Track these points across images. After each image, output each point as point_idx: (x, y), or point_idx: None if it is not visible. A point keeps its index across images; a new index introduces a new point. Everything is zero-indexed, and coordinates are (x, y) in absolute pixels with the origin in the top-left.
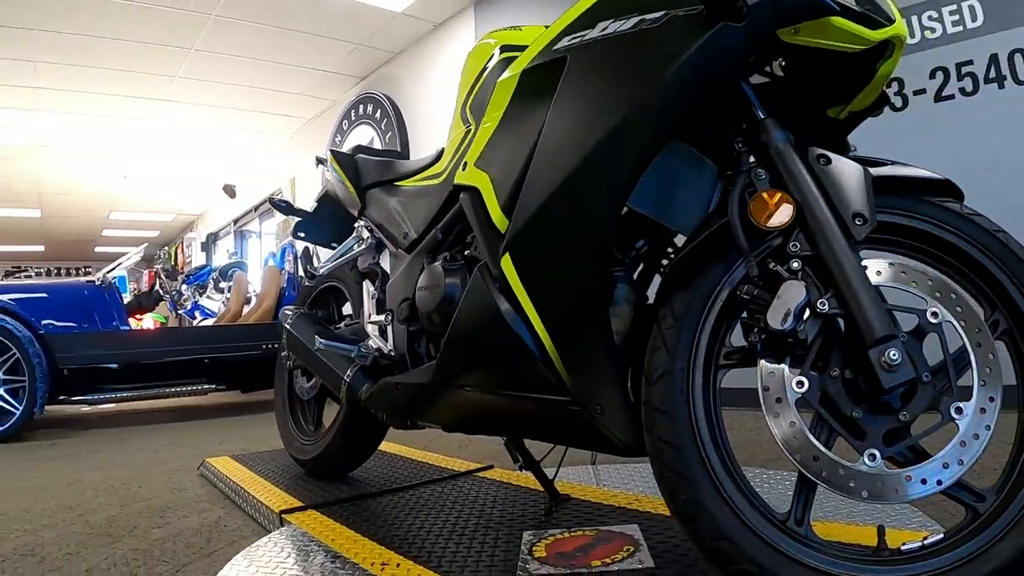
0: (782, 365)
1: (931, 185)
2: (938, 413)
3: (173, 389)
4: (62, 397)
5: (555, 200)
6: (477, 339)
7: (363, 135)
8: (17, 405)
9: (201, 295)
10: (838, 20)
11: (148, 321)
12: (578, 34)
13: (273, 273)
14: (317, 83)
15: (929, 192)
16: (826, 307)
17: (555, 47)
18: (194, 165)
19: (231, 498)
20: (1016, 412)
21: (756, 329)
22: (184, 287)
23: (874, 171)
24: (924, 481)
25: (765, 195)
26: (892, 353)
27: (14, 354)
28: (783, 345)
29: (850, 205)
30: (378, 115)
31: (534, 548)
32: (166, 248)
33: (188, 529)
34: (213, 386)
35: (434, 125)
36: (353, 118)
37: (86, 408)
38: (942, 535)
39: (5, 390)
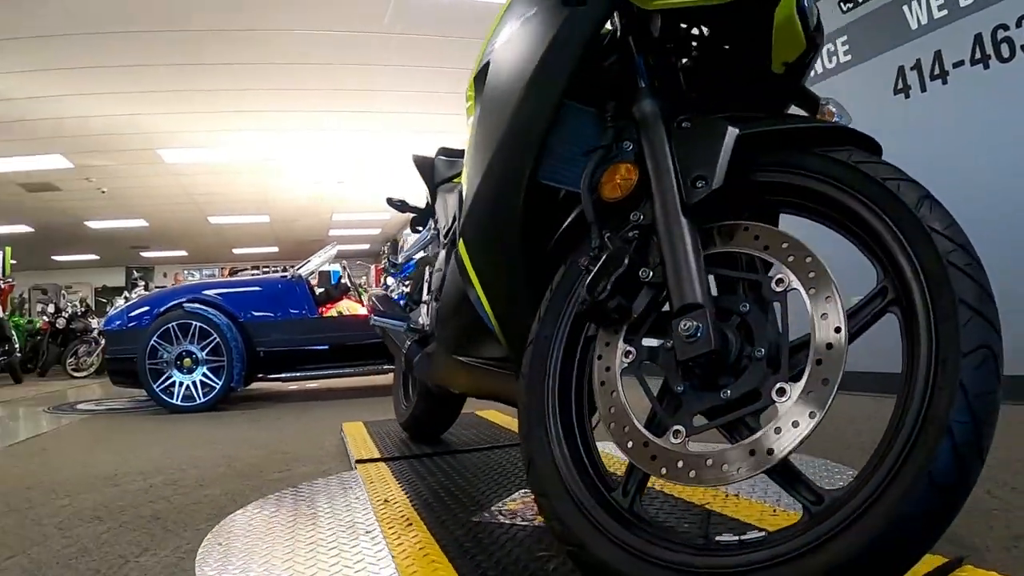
0: (618, 335)
1: (830, 136)
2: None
3: (355, 369)
4: (260, 375)
5: (480, 186)
6: (454, 316)
7: None
8: (218, 381)
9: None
10: None
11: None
12: (495, 39)
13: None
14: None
15: (829, 144)
16: (649, 276)
17: (484, 54)
18: (404, 166)
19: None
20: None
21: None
22: (391, 279)
23: (750, 128)
24: (738, 468)
25: (613, 168)
26: (686, 324)
27: (215, 339)
28: (605, 314)
29: (692, 168)
30: None
31: (509, 501)
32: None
33: (299, 474)
34: (392, 366)
35: None
36: None
37: (293, 385)
38: (765, 533)
39: (208, 368)
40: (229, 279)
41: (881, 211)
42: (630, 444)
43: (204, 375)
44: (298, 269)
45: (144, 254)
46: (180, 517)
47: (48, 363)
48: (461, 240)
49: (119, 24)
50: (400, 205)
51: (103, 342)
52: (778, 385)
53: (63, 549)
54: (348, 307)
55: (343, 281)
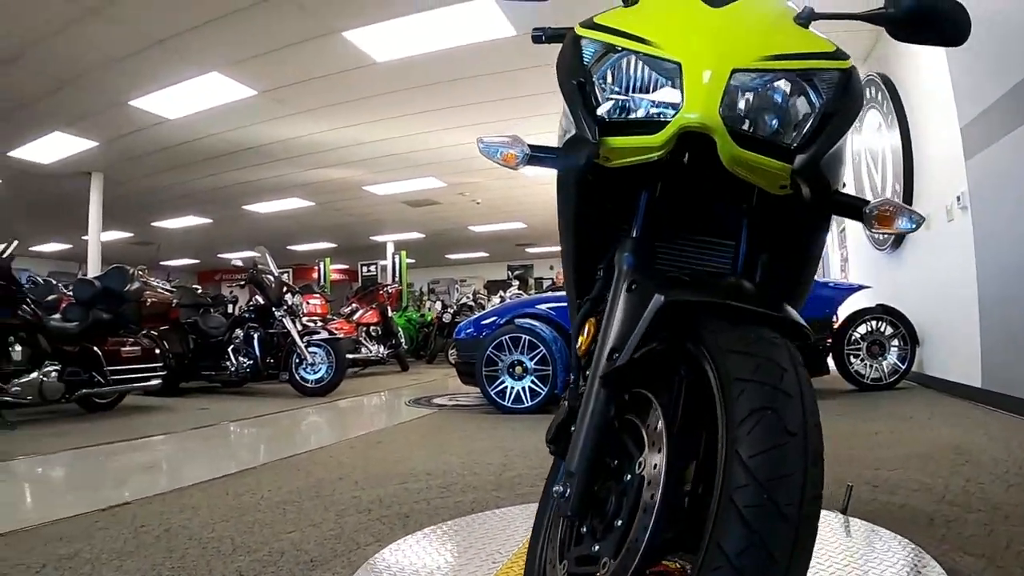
0: None
1: (757, 317)
2: None
3: None
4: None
5: None
6: None
7: (871, 121)
8: (543, 388)
9: None
10: (613, 140)
11: None
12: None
13: None
14: None
15: (748, 321)
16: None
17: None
18: None
19: None
20: None
21: None
22: None
23: (675, 296)
24: None
25: (588, 322)
26: (557, 487)
27: (542, 351)
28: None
29: (614, 338)
30: (879, 97)
31: None
32: None
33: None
34: None
35: (935, 99)
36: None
37: None
38: None
39: (536, 377)
40: (553, 295)
41: (720, 403)
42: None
43: (532, 382)
44: None
45: (529, 250)
46: (421, 519)
47: (434, 352)
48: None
49: (465, 73)
50: None
51: None
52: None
53: (327, 531)
54: None
55: None
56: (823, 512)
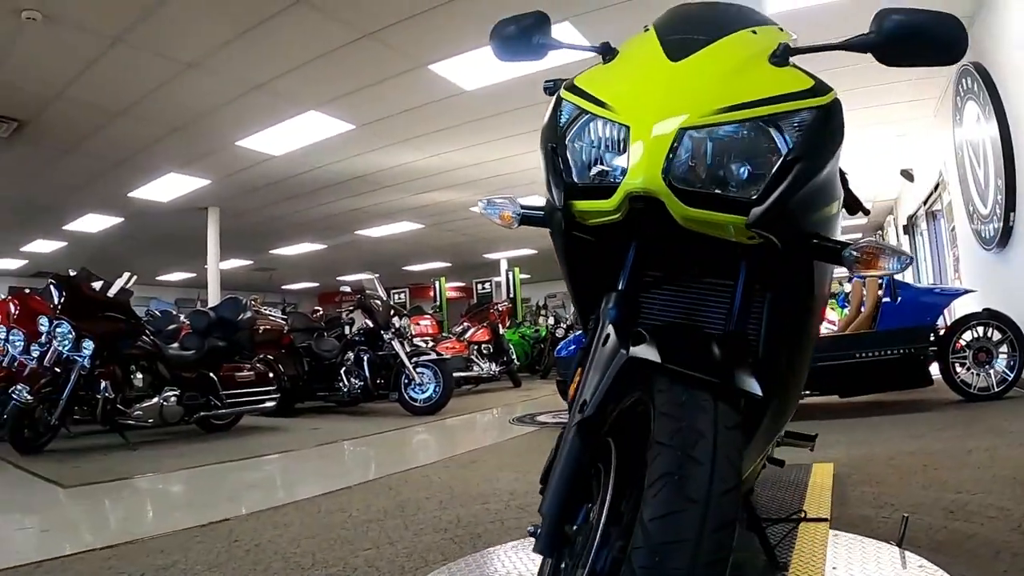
0: None
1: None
2: None
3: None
4: None
5: None
6: None
7: (970, 113)
8: None
9: None
10: (577, 204)
11: None
12: None
13: (859, 284)
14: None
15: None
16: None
17: None
18: (865, 159)
19: None
20: None
21: None
22: None
23: (635, 353)
24: None
25: (577, 371)
26: (530, 526)
27: None
28: None
29: (587, 390)
30: (975, 87)
31: None
32: None
33: None
34: (807, 392)
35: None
36: (961, 92)
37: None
38: None
39: None
40: None
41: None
42: None
43: None
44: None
45: None
46: (491, 539)
47: (548, 367)
48: None
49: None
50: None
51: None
52: None
53: (402, 550)
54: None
55: None
56: (878, 543)
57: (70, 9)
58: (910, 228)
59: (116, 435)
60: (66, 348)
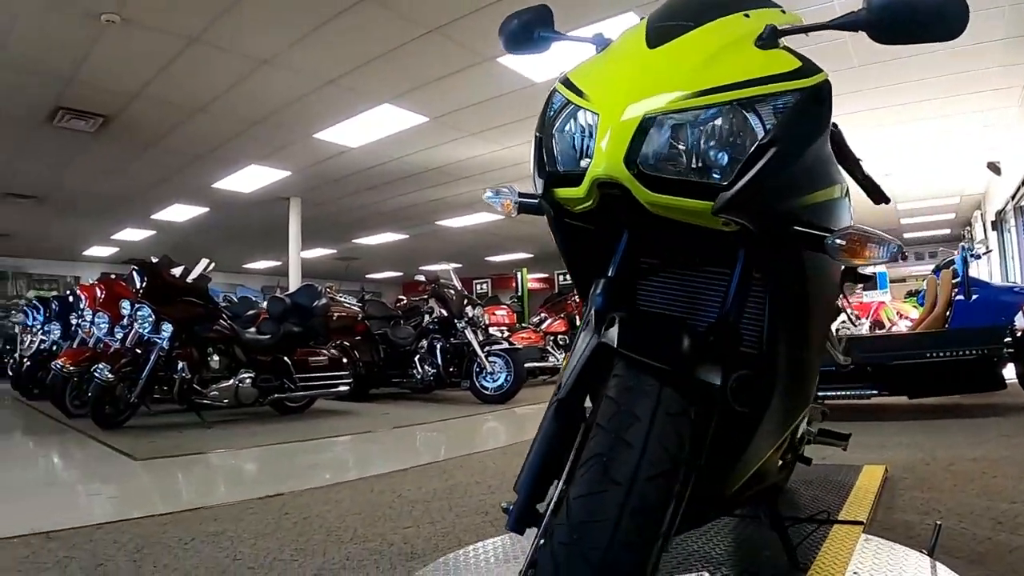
0: None
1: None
2: None
3: (842, 392)
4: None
5: None
6: None
7: None
8: None
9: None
10: (556, 191)
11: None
12: None
13: (934, 281)
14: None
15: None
16: None
17: None
18: (948, 150)
19: None
20: None
21: None
22: None
23: (603, 339)
24: None
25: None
26: None
27: None
28: None
29: (565, 373)
30: None
31: None
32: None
33: None
34: (875, 392)
35: None
36: None
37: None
38: None
39: None
40: None
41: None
42: None
43: None
44: None
45: None
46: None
47: None
48: None
49: None
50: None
51: None
52: None
53: (439, 529)
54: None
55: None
56: (908, 550)
57: (146, 11)
58: (998, 224)
59: (193, 414)
60: (146, 330)
